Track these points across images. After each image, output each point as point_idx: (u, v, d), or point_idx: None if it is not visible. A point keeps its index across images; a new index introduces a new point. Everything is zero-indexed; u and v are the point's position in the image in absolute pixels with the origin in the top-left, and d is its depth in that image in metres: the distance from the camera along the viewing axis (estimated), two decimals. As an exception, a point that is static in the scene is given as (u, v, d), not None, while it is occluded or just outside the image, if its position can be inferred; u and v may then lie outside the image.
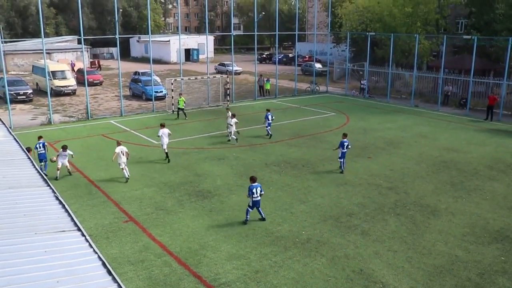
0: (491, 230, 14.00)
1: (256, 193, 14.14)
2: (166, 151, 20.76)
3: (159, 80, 40.02)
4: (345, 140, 19.22)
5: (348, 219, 14.71)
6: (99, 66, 62.82)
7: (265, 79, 40.66)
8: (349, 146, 19.40)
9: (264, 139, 24.91)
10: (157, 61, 63.99)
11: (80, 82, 39.91)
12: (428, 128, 27.97)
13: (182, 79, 34.37)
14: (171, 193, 16.85)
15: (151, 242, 13.06)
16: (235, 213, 15.09)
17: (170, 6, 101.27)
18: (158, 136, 20.85)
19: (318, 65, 52.58)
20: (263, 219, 14.49)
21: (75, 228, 6.63)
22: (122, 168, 18.13)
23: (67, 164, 18.64)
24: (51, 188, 8.13)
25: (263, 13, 73.83)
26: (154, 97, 34.14)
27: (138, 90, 38.65)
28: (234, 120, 24.01)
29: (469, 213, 15.30)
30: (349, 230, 13.92)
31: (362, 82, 41.58)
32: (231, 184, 17.88)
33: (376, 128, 27.75)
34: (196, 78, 37.26)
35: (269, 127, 25.15)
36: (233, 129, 24.00)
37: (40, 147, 18.66)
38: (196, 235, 13.50)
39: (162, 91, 36.85)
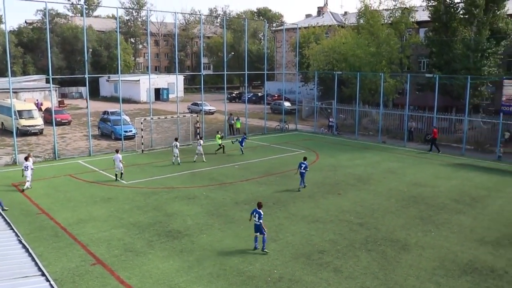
0: (460, 263, 14.19)
1: (255, 217, 15.01)
2: (116, 172, 24.21)
3: (128, 120, 39.80)
4: (303, 162, 22.43)
5: (320, 256, 14.66)
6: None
7: (235, 118, 40.97)
8: (307, 168, 22.59)
9: (234, 178, 24.89)
10: (127, 101, 63.84)
11: (48, 121, 39.32)
12: (396, 164, 28.54)
13: (152, 119, 34.30)
14: (140, 234, 16.50)
15: (119, 286, 12.66)
16: (206, 253, 14.84)
17: (140, 46, 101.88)
18: (114, 159, 24.37)
19: (287, 104, 53.42)
20: (255, 247, 15.13)
21: (39, 273, 6.41)
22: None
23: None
24: (14, 231, 7.87)
25: (233, 53, 75.15)
26: (124, 136, 33.84)
27: (107, 130, 38.28)
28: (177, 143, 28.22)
29: (439, 246, 15.51)
30: (321, 267, 13.86)
31: (330, 119, 42.39)
32: (201, 223, 17.66)
33: (346, 165, 28.13)
34: (166, 118, 37.24)
35: (242, 146, 31.21)
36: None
37: None
38: (166, 277, 13.17)
39: (131, 131, 36.59)
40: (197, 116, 36.65)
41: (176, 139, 28.76)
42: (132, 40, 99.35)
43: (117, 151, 24.87)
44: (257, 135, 40.35)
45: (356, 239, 16.10)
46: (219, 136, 32.83)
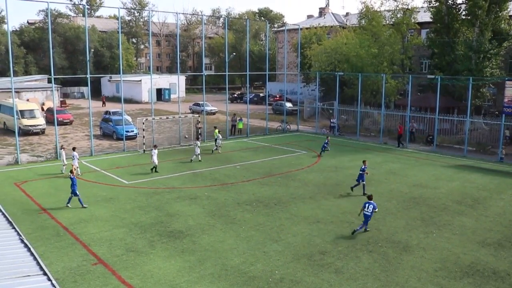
0: (462, 265, 14.17)
1: (367, 208, 16.53)
2: (154, 165, 25.85)
3: (130, 120, 39.84)
4: (363, 165, 22.08)
5: (321, 257, 14.65)
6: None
7: (238, 118, 40.98)
8: (365, 171, 22.06)
9: (235, 178, 24.88)
10: (128, 101, 63.88)
11: (50, 121, 39.35)
12: (397, 165, 28.50)
13: (153, 119, 34.31)
14: (142, 234, 16.50)
15: (121, 285, 12.66)
16: (207, 253, 14.84)
17: (142, 46, 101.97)
18: (152, 155, 25.94)
19: (288, 104, 53.43)
20: (354, 231, 16.60)
21: (41, 272, 6.41)
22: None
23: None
24: (16, 230, 7.88)
25: (234, 53, 75.20)
26: (125, 136, 33.85)
27: (109, 130, 38.32)
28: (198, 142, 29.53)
29: (440, 248, 15.48)
30: (323, 268, 13.85)
31: (331, 120, 42.38)
32: (203, 224, 17.66)
33: (347, 166, 28.10)
34: (167, 118, 37.24)
35: (325, 147, 31.24)
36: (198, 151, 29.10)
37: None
38: (167, 277, 13.17)
39: (133, 131, 36.62)
40: (199, 116, 36.67)
41: (197, 138, 30.53)
42: (134, 40, 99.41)
43: (155, 147, 26.86)
44: (258, 135, 40.34)
45: (358, 240, 16.09)
46: (218, 131, 33.35)
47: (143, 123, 32.02)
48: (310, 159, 30.21)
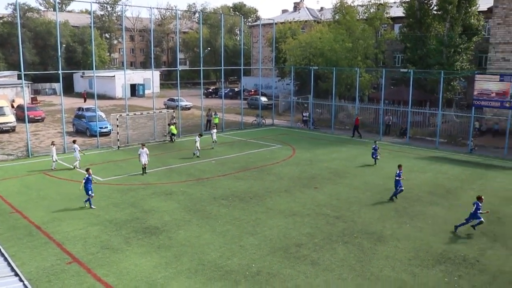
0: (434, 253, 14.50)
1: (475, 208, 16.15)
2: (143, 166, 24.51)
3: (103, 116, 39.23)
4: (398, 171, 20.27)
5: (297, 249, 14.78)
6: None
7: (213, 113, 40.83)
8: (401, 176, 20.14)
9: (211, 173, 24.83)
10: (102, 97, 62.86)
11: (21, 118, 38.48)
12: (371, 158, 28.83)
13: (127, 115, 33.90)
14: (117, 231, 16.34)
15: (96, 283, 12.53)
16: (184, 248, 14.80)
17: (115, 41, 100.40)
18: (139, 154, 24.55)
19: (263, 99, 53.46)
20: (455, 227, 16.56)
21: (12, 273, 6.30)
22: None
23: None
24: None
25: (209, 48, 74.80)
26: (99, 133, 33.33)
27: (82, 126, 37.68)
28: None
29: (413, 237, 15.81)
30: (299, 260, 13.98)
31: (304, 114, 42.60)
32: (179, 219, 17.59)
33: (322, 159, 28.37)
34: (141, 113, 36.86)
35: (376, 156, 27.18)
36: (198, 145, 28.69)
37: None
38: (144, 274, 13.10)
39: (107, 127, 36.10)
40: (173, 111, 36.43)
41: (200, 135, 29.89)
42: (107, 35, 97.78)
43: (143, 145, 24.94)
44: (233, 130, 40.32)
45: (333, 232, 16.29)
46: (174, 126, 34.39)
47: (117, 119, 31.60)
48: (285, 152, 30.35)
